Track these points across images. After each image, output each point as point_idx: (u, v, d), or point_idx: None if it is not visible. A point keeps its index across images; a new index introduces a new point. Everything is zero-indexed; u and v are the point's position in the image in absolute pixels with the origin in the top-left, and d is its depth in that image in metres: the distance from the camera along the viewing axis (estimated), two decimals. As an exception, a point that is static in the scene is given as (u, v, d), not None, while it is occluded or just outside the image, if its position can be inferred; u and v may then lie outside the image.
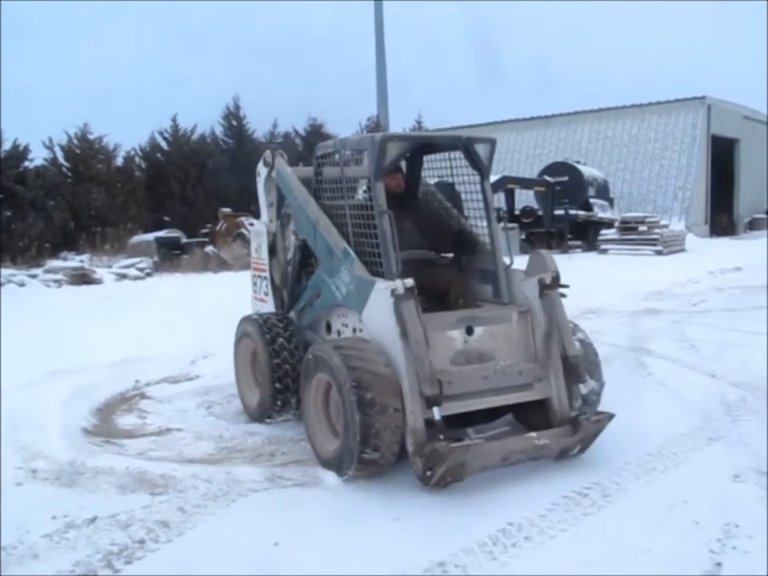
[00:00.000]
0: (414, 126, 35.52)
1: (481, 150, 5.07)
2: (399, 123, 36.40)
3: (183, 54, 74.79)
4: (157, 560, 3.50)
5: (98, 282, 16.13)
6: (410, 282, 4.30)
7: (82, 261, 18.26)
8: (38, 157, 23.84)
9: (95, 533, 3.77)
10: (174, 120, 28.52)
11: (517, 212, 23.44)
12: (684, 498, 4.01)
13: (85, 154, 24.89)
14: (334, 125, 33.31)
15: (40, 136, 24.71)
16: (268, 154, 6.11)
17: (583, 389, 4.74)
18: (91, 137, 25.27)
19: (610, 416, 4.57)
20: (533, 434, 4.41)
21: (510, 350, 4.73)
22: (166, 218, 26.44)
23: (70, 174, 24.64)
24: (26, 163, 23.18)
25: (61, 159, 24.73)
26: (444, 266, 5.54)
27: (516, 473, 4.39)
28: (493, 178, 21.19)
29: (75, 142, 24.97)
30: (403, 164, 5.46)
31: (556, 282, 4.71)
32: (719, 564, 3.33)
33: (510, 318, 4.80)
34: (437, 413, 4.13)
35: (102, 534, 3.74)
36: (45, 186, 22.67)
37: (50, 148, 24.47)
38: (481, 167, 5.14)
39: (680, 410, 5.57)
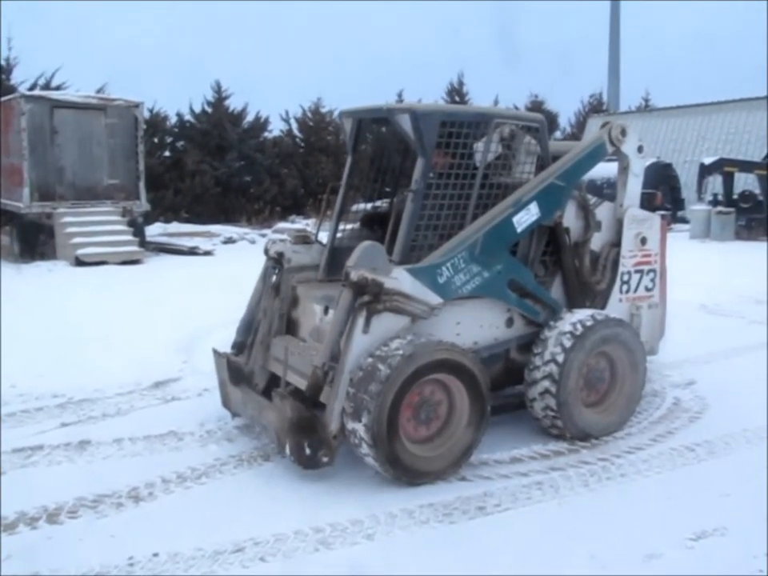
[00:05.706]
0: (641, 104, 34.42)
1: (402, 122, 4.43)
2: (626, 101, 35.08)
3: (417, 28, 76.32)
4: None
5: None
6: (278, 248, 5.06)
7: (307, 224, 20.19)
8: (275, 128, 26.44)
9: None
10: (399, 95, 30.02)
11: (735, 196, 22.30)
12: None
13: (317, 126, 27.05)
14: (554, 103, 33.35)
15: (278, 109, 27.20)
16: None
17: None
18: (323, 110, 27.39)
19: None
20: (271, 402, 4.22)
21: None
22: (387, 189, 28.06)
23: (302, 144, 26.93)
24: (266, 134, 25.86)
25: (295, 131, 27.09)
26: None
27: (641, 424, 5.00)
28: (709, 160, 20.53)
29: (309, 114, 27.22)
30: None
31: (346, 280, 4.07)
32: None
33: None
34: (229, 353, 5.03)
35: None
36: (280, 155, 25.15)
37: (286, 120, 26.94)
38: (408, 142, 4.53)
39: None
